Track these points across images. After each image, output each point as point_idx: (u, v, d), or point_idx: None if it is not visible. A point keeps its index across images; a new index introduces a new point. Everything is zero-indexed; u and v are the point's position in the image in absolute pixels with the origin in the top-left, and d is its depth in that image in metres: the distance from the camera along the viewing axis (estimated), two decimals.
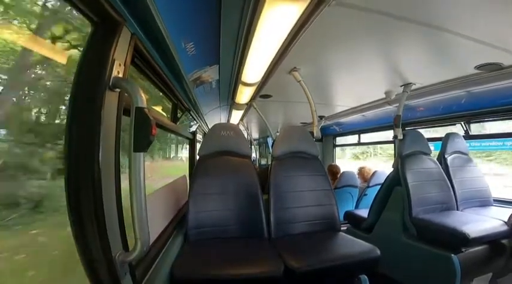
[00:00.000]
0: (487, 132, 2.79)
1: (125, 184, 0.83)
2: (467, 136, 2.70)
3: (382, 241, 1.91)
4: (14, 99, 1.53)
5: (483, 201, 2.39)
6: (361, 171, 3.95)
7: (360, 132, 4.34)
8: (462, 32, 1.34)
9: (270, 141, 6.15)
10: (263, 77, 1.97)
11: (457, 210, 2.25)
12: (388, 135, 3.70)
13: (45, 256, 1.48)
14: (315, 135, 2.26)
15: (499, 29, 1.31)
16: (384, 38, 1.45)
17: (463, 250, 1.78)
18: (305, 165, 2.03)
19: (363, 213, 2.68)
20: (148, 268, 1.12)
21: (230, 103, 3.11)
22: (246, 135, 6.23)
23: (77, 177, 0.74)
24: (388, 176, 2.48)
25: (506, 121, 2.47)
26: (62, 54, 1.37)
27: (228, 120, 4.24)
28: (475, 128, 2.76)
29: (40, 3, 1.37)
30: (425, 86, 2.27)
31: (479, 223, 1.88)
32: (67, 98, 0.92)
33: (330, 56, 1.72)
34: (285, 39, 1.35)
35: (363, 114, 3.35)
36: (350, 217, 2.87)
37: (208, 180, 1.79)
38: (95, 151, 0.74)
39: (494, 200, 2.46)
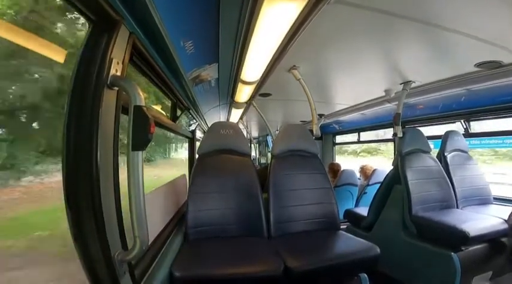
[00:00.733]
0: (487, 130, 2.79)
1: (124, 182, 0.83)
2: (467, 134, 2.69)
3: (382, 240, 1.91)
4: None
5: (483, 199, 2.39)
6: (363, 169, 3.95)
7: (359, 130, 4.34)
8: (462, 30, 1.33)
9: (269, 139, 6.15)
10: (262, 76, 1.97)
11: (457, 208, 2.25)
12: (388, 133, 3.70)
13: None
14: (314, 133, 2.26)
15: (499, 27, 1.31)
16: (383, 36, 1.45)
17: (463, 248, 1.79)
18: (305, 163, 2.02)
19: (363, 211, 2.68)
20: (147, 267, 1.12)
21: (230, 101, 3.10)
22: (245, 134, 6.23)
23: (75, 176, 0.73)
24: (387, 174, 2.48)
25: (506, 119, 2.47)
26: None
27: (228, 119, 4.23)
28: (475, 126, 2.76)
29: None
30: (425, 84, 2.27)
31: (479, 221, 1.88)
32: None
33: (330, 54, 1.71)
34: (284, 37, 1.34)
35: (363, 112, 3.35)
36: (350, 215, 2.87)
37: (207, 179, 1.79)
38: (93, 149, 0.74)
39: (494, 198, 2.46)
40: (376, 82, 2.36)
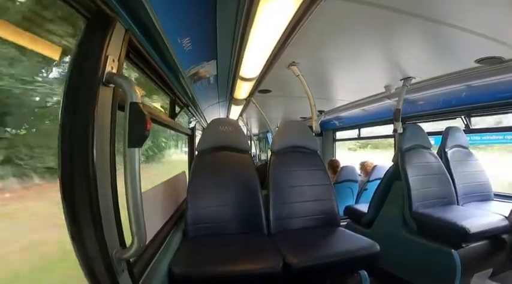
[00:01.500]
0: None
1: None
2: (468, 130, 2.68)
3: (382, 236, 1.91)
4: None
5: (484, 196, 2.38)
6: (363, 165, 3.95)
7: (359, 126, 4.33)
8: (462, 26, 1.32)
9: (269, 136, 6.15)
10: (261, 72, 1.96)
11: (458, 204, 2.24)
12: (389, 129, 3.69)
13: None
14: (314, 129, 2.25)
15: (500, 22, 1.29)
16: (383, 32, 1.43)
17: (464, 245, 1.78)
18: (304, 160, 2.02)
19: (363, 207, 2.68)
20: (146, 265, 1.12)
21: (229, 98, 3.09)
22: (245, 131, 6.23)
23: (72, 174, 0.73)
24: (387, 170, 2.47)
25: (507, 115, 2.46)
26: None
27: (228, 116, 4.23)
28: (476, 122, 2.74)
29: None
30: (425, 80, 2.26)
31: (480, 218, 1.88)
32: None
33: (329, 49, 1.70)
34: (283, 33, 1.33)
35: (363, 108, 3.34)
36: (350, 212, 2.87)
37: (206, 176, 1.79)
38: (89, 147, 0.73)
39: (494, 194, 2.45)
40: (376, 78, 2.35)
